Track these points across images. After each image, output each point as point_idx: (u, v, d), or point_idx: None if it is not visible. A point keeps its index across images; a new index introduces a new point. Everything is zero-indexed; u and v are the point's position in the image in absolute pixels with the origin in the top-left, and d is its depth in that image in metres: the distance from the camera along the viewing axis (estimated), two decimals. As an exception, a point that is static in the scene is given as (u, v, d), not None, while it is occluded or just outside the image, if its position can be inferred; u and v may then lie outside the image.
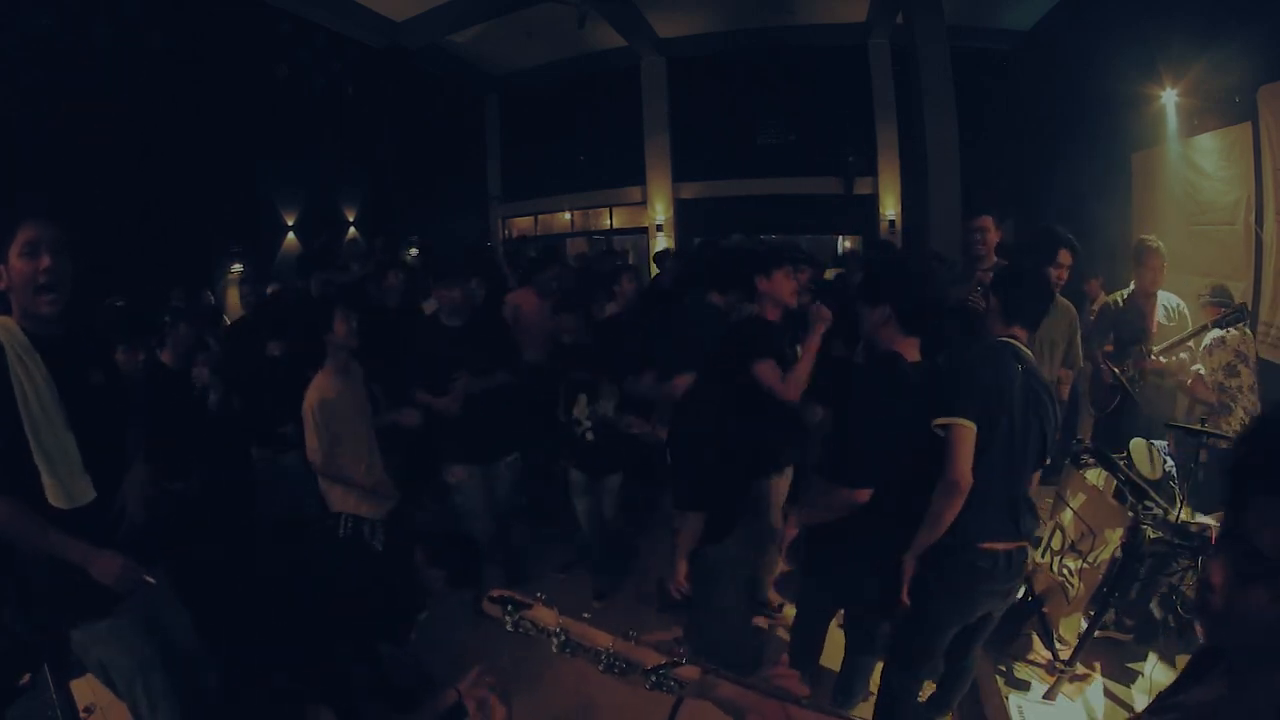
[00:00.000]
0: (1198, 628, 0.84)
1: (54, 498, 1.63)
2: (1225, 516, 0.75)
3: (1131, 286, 3.69)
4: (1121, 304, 3.67)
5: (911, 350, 2.08)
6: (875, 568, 2.02)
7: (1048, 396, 1.99)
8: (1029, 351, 2.02)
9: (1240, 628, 0.72)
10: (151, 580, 1.73)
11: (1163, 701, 0.91)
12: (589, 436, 3.25)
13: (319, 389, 2.80)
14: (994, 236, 3.23)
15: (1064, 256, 3.02)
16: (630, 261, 6.59)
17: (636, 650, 0.89)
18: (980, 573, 1.93)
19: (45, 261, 1.59)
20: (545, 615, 0.92)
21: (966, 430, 1.85)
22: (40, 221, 1.61)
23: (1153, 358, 3.48)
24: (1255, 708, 0.73)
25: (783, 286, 2.76)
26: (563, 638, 0.90)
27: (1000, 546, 1.92)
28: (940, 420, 1.88)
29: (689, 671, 0.87)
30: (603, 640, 0.90)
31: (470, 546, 2.52)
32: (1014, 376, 1.94)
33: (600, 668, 0.89)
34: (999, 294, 2.08)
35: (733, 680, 0.87)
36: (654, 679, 0.87)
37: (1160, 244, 3.51)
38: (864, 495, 1.95)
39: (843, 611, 2.50)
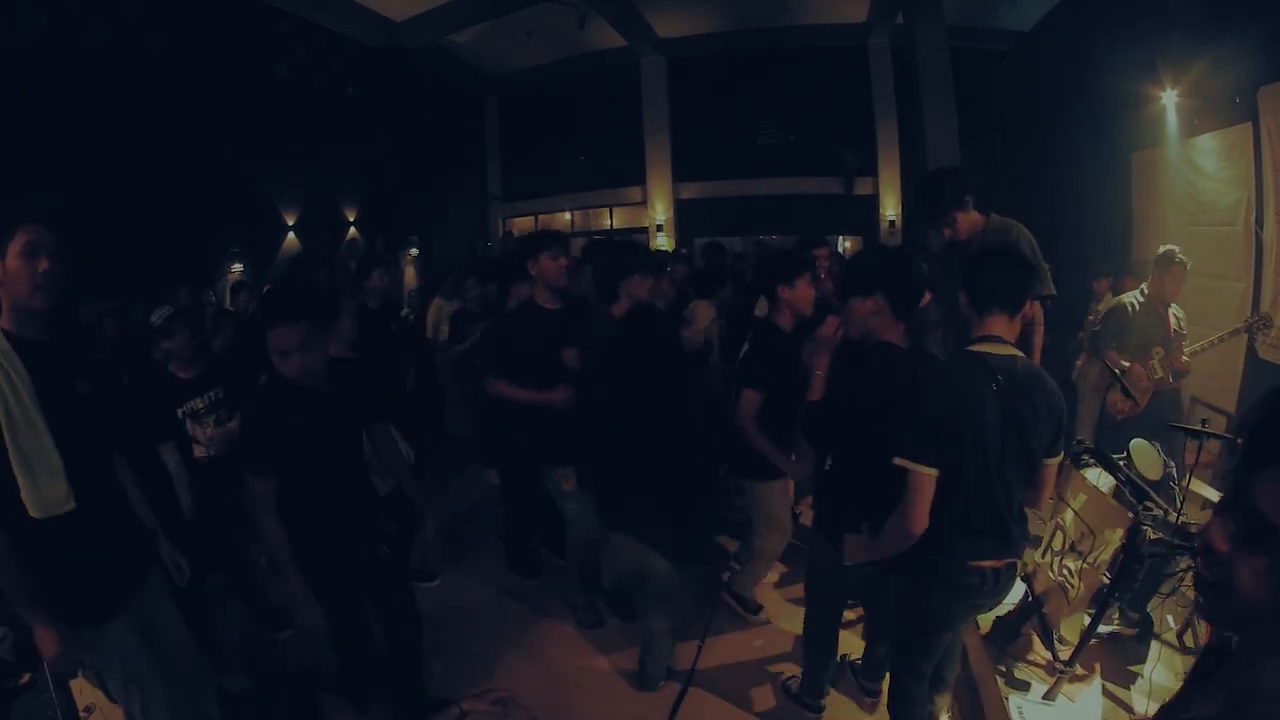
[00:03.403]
0: (1199, 613, 0.80)
1: (30, 506, 1.62)
2: (1230, 486, 0.74)
3: (1144, 291, 3.76)
4: (1137, 308, 3.74)
5: (899, 337, 2.10)
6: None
7: (1042, 397, 1.80)
8: (1011, 352, 1.81)
9: (1242, 600, 0.70)
10: (84, 666, 1.74)
11: (1168, 717, 0.89)
12: None
13: None
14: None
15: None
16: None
17: None
18: (969, 589, 1.87)
19: (44, 264, 1.65)
20: None
21: (926, 478, 1.72)
22: (40, 225, 1.68)
23: (1185, 359, 3.60)
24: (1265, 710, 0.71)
25: (804, 295, 2.79)
26: None
27: (989, 564, 1.85)
28: (898, 461, 1.74)
29: None
30: None
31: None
32: (986, 399, 1.73)
33: None
34: (963, 284, 1.86)
35: None
36: None
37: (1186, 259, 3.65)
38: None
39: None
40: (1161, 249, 3.76)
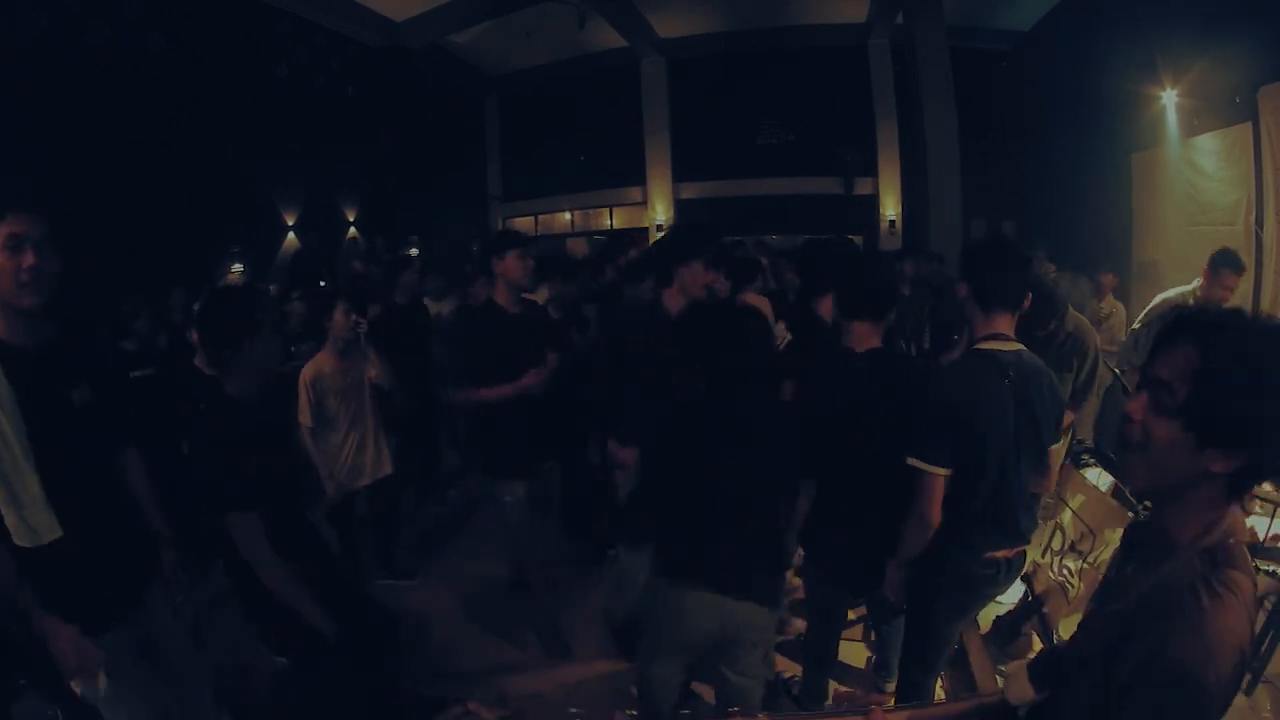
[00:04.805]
0: (1119, 475, 0.95)
1: (16, 536, 1.49)
2: (1145, 367, 0.93)
3: (1197, 292, 3.39)
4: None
5: (862, 340, 2.04)
6: (874, 555, 2.00)
7: (1047, 388, 1.86)
8: (1017, 347, 1.83)
9: (1152, 458, 0.89)
10: (103, 683, 1.57)
11: (1107, 588, 1.04)
12: None
13: (315, 366, 3.13)
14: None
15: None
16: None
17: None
18: (983, 580, 1.94)
19: (29, 259, 1.47)
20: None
21: (936, 479, 1.75)
22: (25, 215, 1.50)
23: None
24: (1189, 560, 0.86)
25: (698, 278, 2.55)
26: None
27: (1002, 554, 1.91)
28: (911, 461, 1.77)
29: None
30: None
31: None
32: (1000, 395, 1.76)
33: None
34: (967, 279, 1.86)
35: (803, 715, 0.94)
36: None
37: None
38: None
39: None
40: (1222, 246, 3.37)
